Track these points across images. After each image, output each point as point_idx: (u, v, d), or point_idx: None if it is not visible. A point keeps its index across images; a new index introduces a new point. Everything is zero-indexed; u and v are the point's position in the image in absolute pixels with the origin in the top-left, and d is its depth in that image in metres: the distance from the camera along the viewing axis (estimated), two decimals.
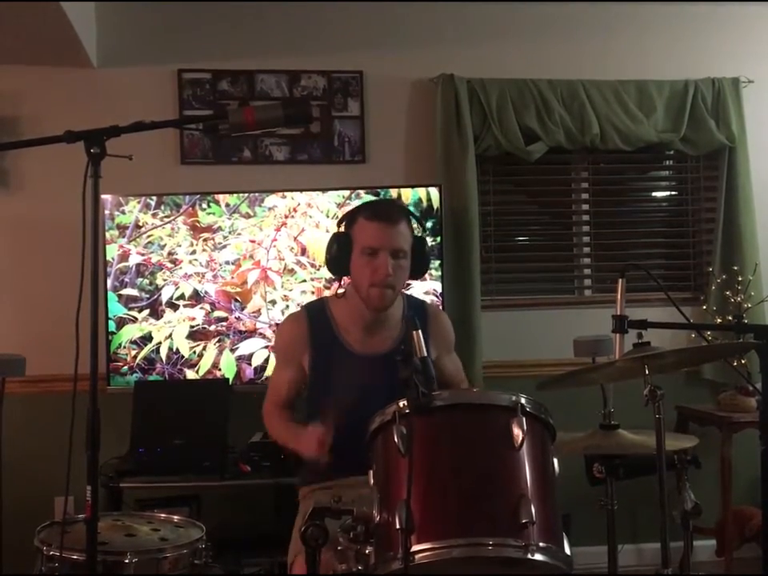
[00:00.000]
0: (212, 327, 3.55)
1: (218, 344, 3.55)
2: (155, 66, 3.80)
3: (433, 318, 2.49)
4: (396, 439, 1.65)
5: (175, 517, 2.31)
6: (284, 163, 3.86)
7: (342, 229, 2.38)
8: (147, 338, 3.54)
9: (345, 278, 2.42)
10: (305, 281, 3.55)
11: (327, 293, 3.42)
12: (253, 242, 3.56)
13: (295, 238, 3.56)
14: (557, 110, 3.89)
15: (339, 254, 2.34)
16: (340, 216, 2.46)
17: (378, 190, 3.60)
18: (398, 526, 1.56)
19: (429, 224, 3.59)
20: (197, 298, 3.56)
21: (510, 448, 1.65)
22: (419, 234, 2.43)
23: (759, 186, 4.05)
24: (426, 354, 1.76)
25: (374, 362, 2.32)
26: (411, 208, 3.57)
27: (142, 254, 3.55)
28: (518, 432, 1.65)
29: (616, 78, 3.98)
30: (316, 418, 2.43)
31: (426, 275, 3.53)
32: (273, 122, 1.80)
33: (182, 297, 3.56)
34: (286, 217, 3.57)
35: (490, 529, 1.57)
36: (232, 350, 3.55)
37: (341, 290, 2.44)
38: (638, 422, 2.40)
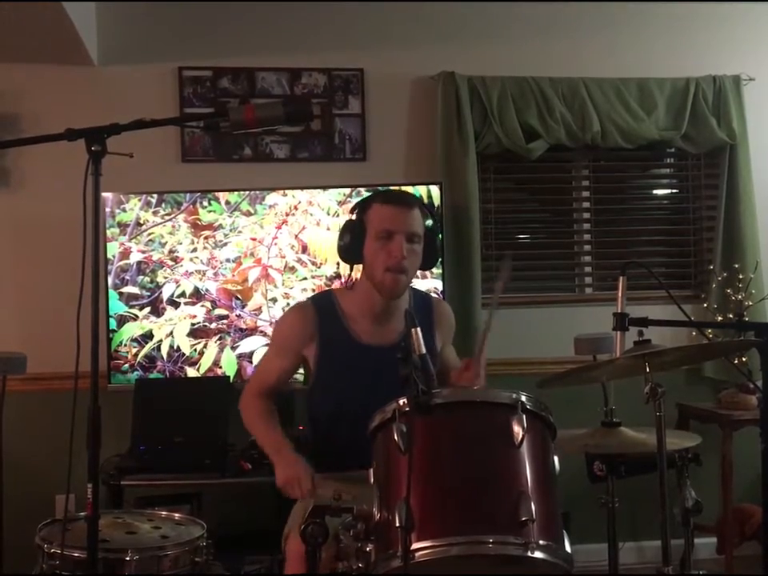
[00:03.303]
0: (213, 325, 3.56)
1: (218, 342, 3.55)
2: (156, 64, 3.80)
3: (437, 308, 2.50)
4: (396, 437, 1.65)
5: (176, 514, 2.32)
6: (285, 161, 3.86)
7: (355, 216, 2.37)
8: (148, 336, 3.54)
9: (356, 266, 2.41)
10: (306, 278, 3.55)
11: None
12: (254, 239, 3.56)
13: (296, 236, 3.56)
14: (558, 108, 3.88)
15: (352, 241, 2.33)
16: (353, 204, 2.45)
17: (379, 188, 3.60)
18: (397, 524, 1.56)
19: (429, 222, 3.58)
20: (198, 295, 3.56)
21: (510, 446, 1.65)
22: (431, 225, 2.42)
23: (760, 184, 4.04)
24: (425, 352, 1.76)
25: (382, 354, 2.32)
26: None
27: (143, 252, 3.55)
28: (518, 430, 1.65)
29: (617, 76, 3.97)
30: (318, 412, 2.44)
31: (427, 273, 3.55)
32: (273, 120, 1.80)
33: (182, 294, 3.56)
34: (287, 215, 3.57)
35: (489, 527, 1.57)
36: (233, 348, 3.56)
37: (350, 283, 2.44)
38: (639, 420, 2.40)
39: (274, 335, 2.55)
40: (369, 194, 3.47)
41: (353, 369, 2.35)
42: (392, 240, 2.28)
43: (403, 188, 3.58)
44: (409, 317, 1.82)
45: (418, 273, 3.51)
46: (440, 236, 3.57)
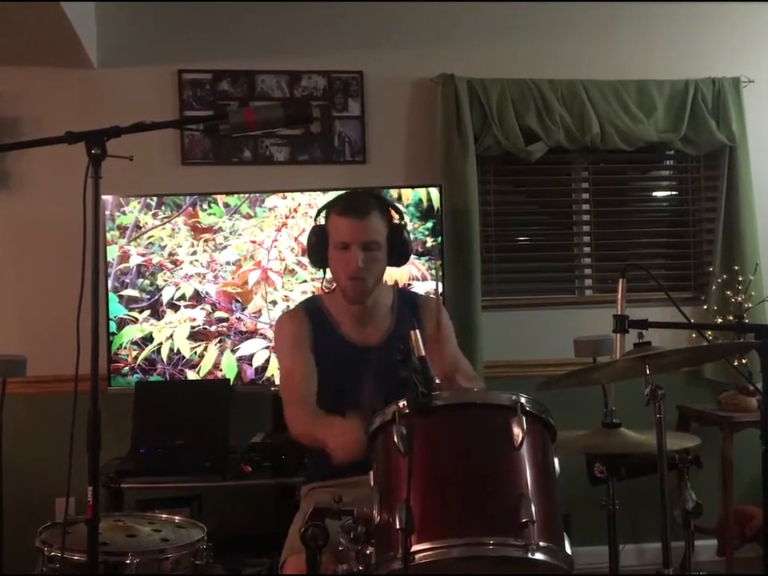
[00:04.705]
0: (213, 328, 3.56)
1: (218, 344, 3.55)
2: (155, 67, 3.80)
3: (423, 306, 2.47)
4: (396, 439, 1.65)
5: (176, 517, 2.31)
6: (284, 164, 3.86)
7: (320, 222, 2.42)
8: (148, 339, 3.54)
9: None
10: (305, 281, 3.56)
11: None
12: (253, 242, 3.57)
13: (296, 239, 3.56)
14: (557, 110, 3.89)
15: (317, 247, 2.39)
16: (318, 209, 2.46)
17: (379, 191, 3.59)
18: (398, 526, 1.56)
19: (429, 224, 3.59)
20: (197, 298, 3.56)
21: (510, 447, 1.64)
22: (397, 222, 2.43)
23: (760, 186, 4.05)
24: (424, 354, 1.76)
25: (368, 354, 2.34)
26: (412, 208, 3.57)
27: (143, 255, 3.55)
28: (517, 431, 1.65)
29: (616, 78, 3.98)
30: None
31: (427, 275, 3.55)
32: (273, 123, 1.80)
33: (182, 297, 3.56)
34: (287, 217, 3.57)
35: (490, 528, 1.57)
36: (233, 351, 3.56)
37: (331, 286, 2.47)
38: (640, 422, 2.40)
39: (279, 343, 2.50)
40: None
41: (343, 369, 2.35)
42: (348, 250, 2.31)
43: (402, 191, 3.60)
44: (408, 319, 1.83)
45: (418, 274, 3.54)
46: (438, 239, 3.58)
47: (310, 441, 2.19)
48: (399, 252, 2.42)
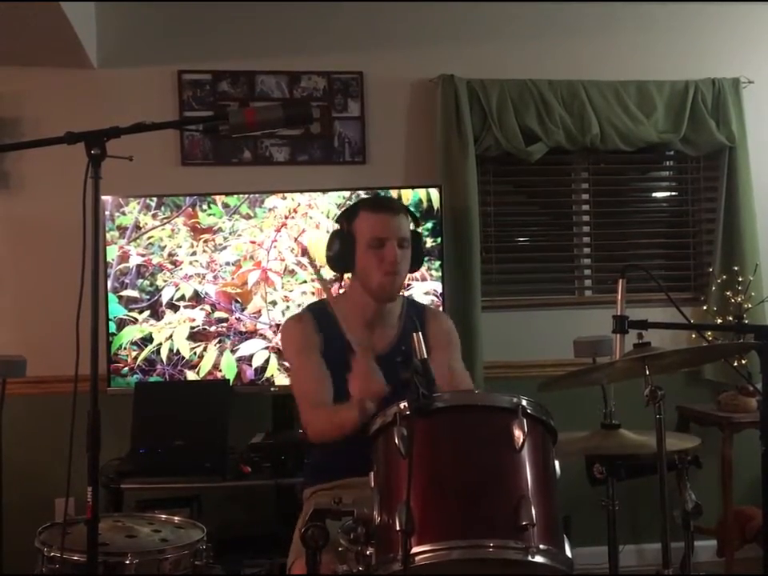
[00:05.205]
0: (212, 328, 3.56)
1: (218, 345, 3.55)
2: (155, 67, 3.80)
3: (432, 320, 2.46)
4: (396, 441, 1.65)
5: (176, 518, 2.31)
6: (284, 164, 3.86)
7: (342, 226, 2.39)
8: (148, 339, 3.54)
9: (346, 276, 2.43)
10: (305, 282, 3.55)
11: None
12: (253, 242, 3.56)
13: (296, 239, 3.56)
14: (557, 111, 3.89)
15: (342, 251, 2.35)
16: (339, 213, 2.46)
17: (378, 191, 3.60)
18: (398, 528, 1.56)
19: (429, 225, 3.59)
20: (197, 299, 3.56)
21: (511, 450, 1.64)
22: (415, 229, 2.46)
23: (759, 187, 4.05)
24: (426, 356, 1.76)
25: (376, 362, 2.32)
26: (412, 209, 3.57)
27: (143, 255, 3.55)
28: (518, 434, 1.65)
29: (616, 79, 3.98)
30: None
31: (427, 275, 3.55)
32: (273, 123, 1.81)
33: (182, 298, 3.56)
34: (287, 218, 3.57)
35: (490, 530, 1.57)
36: (232, 351, 3.55)
37: (341, 290, 2.45)
38: (639, 423, 2.40)
39: (287, 349, 2.46)
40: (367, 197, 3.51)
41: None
42: (384, 246, 2.30)
43: (402, 191, 3.61)
44: (410, 321, 1.83)
45: (418, 275, 3.54)
46: (437, 239, 3.58)
47: (336, 431, 2.16)
48: (417, 257, 2.43)
